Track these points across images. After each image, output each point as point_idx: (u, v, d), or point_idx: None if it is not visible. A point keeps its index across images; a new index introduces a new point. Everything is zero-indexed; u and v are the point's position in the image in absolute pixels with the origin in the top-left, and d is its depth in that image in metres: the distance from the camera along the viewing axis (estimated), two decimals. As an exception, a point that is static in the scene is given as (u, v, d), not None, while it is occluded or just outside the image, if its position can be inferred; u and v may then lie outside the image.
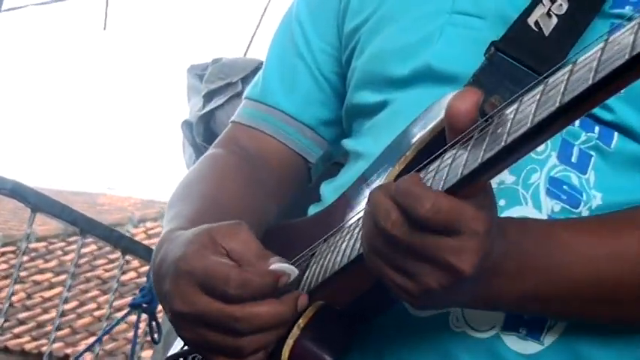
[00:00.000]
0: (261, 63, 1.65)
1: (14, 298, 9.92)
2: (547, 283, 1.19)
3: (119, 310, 7.33)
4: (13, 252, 11.39)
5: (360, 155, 1.40)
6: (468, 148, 1.04)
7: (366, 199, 1.11)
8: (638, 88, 1.02)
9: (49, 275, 11.18)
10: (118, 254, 4.18)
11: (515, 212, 1.25)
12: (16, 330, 10.10)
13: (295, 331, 1.22)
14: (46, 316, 10.14)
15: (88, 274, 10.94)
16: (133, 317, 3.54)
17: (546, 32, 1.29)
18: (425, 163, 1.13)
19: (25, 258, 10.95)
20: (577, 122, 1.27)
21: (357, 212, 1.26)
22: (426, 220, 1.03)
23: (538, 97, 0.99)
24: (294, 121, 1.53)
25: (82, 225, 3.95)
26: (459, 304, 1.22)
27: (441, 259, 1.05)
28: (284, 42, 1.58)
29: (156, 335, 2.99)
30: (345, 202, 1.33)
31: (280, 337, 1.21)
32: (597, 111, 1.26)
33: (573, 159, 1.28)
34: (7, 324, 9.46)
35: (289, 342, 1.22)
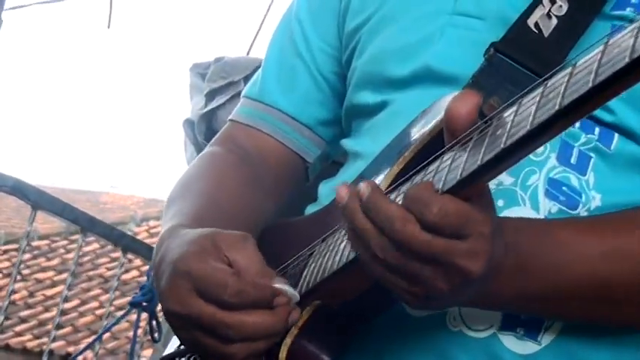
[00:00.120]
0: (263, 62, 1.65)
1: (16, 296, 9.95)
2: (545, 282, 1.19)
3: (121, 308, 7.31)
4: (15, 250, 11.37)
5: (358, 155, 1.40)
6: (468, 149, 1.04)
7: None
8: (638, 90, 1.02)
9: (51, 273, 11.17)
10: (120, 253, 4.18)
11: (512, 213, 1.25)
12: (18, 328, 10.09)
13: (293, 331, 1.22)
14: (47, 315, 10.13)
15: (90, 273, 10.94)
16: (135, 316, 3.53)
17: (546, 33, 1.29)
18: (424, 164, 1.13)
19: (28, 256, 11.01)
20: (577, 124, 1.27)
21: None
22: (434, 224, 1.03)
23: (538, 99, 0.99)
24: (292, 121, 1.53)
25: (83, 223, 3.94)
26: (458, 304, 1.22)
27: (451, 261, 1.05)
28: (283, 41, 1.58)
29: (156, 334, 2.98)
30: (344, 202, 1.33)
31: (271, 345, 1.21)
32: (598, 112, 1.26)
33: (572, 160, 1.28)
34: (8, 322, 9.48)
35: (287, 341, 1.22)
